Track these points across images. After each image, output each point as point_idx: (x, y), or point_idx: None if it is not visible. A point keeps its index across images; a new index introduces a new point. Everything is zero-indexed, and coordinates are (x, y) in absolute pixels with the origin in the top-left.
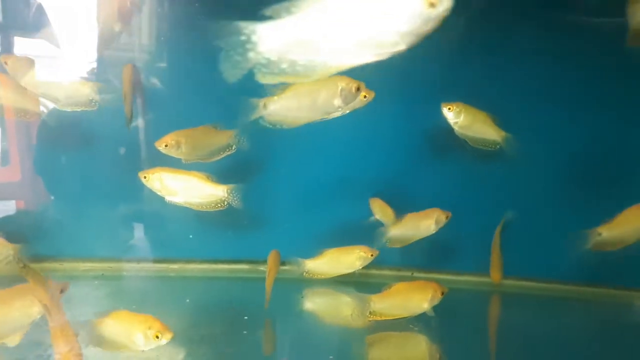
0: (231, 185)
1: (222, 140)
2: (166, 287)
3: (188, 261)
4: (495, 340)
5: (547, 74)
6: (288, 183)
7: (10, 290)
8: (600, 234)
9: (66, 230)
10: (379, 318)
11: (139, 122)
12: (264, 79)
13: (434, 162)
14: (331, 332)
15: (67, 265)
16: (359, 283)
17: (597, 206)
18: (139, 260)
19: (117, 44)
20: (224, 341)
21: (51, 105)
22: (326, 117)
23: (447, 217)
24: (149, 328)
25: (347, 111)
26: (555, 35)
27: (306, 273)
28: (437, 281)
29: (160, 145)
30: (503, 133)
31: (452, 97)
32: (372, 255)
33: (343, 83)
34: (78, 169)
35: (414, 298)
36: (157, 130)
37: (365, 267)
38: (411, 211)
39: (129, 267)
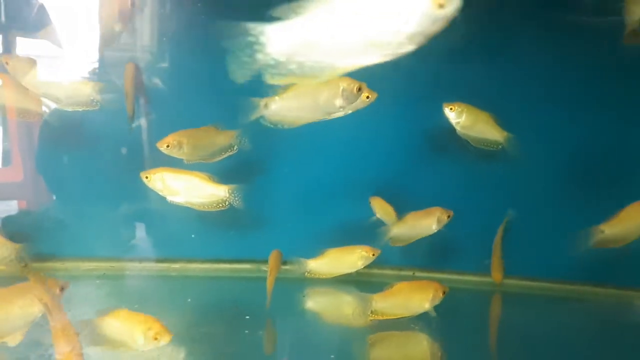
0: (232, 186)
1: (224, 141)
2: (168, 286)
3: (190, 261)
4: (496, 340)
5: (547, 74)
6: (289, 183)
7: (11, 289)
8: (603, 231)
9: (68, 229)
10: (380, 317)
11: (141, 122)
12: (272, 80)
13: (435, 162)
14: (332, 332)
15: (69, 265)
16: (360, 282)
17: (598, 206)
18: (140, 260)
19: (118, 43)
20: (225, 340)
21: (53, 106)
22: (327, 117)
23: (448, 216)
24: (149, 329)
25: (350, 111)
26: (556, 35)
27: (308, 273)
28: (439, 281)
29: (162, 146)
30: (505, 133)
31: (453, 96)
32: (373, 254)
33: (344, 83)
34: (80, 169)
35: (415, 298)
36: (159, 131)
37: (367, 267)
38: (412, 211)
39: (131, 267)
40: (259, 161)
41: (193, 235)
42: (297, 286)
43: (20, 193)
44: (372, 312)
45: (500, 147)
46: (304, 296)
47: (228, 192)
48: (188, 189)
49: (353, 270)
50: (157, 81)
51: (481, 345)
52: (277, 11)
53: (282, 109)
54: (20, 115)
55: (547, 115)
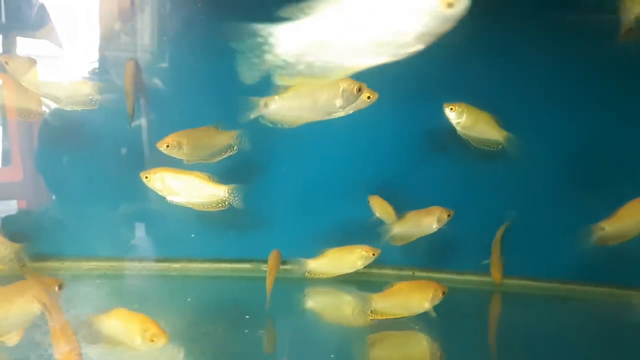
0: (232, 186)
1: (224, 141)
2: (168, 286)
3: (190, 260)
4: (496, 340)
5: (547, 73)
6: (289, 182)
7: (10, 288)
8: (603, 229)
9: (68, 229)
10: (380, 317)
11: (141, 121)
12: (281, 81)
13: (435, 161)
14: (332, 331)
15: (69, 265)
16: (360, 282)
17: (598, 206)
18: (141, 260)
19: (118, 43)
20: (225, 340)
21: (53, 105)
22: (328, 117)
23: (448, 215)
24: (146, 330)
25: (351, 111)
26: (556, 35)
27: (308, 273)
28: (438, 280)
29: (162, 146)
30: (505, 133)
31: (453, 96)
32: (373, 254)
33: (345, 84)
34: (80, 169)
35: (415, 297)
36: (159, 130)
37: (367, 266)
38: (413, 210)
39: (131, 266)
40: (259, 161)
41: (193, 235)
42: (297, 286)
43: (20, 193)
44: (371, 311)
45: (500, 147)
46: (304, 296)
47: (228, 192)
48: (188, 189)
49: (353, 270)
50: (157, 81)
51: (481, 345)
52: (286, 11)
53: (282, 108)
54: (20, 115)
55: (547, 115)
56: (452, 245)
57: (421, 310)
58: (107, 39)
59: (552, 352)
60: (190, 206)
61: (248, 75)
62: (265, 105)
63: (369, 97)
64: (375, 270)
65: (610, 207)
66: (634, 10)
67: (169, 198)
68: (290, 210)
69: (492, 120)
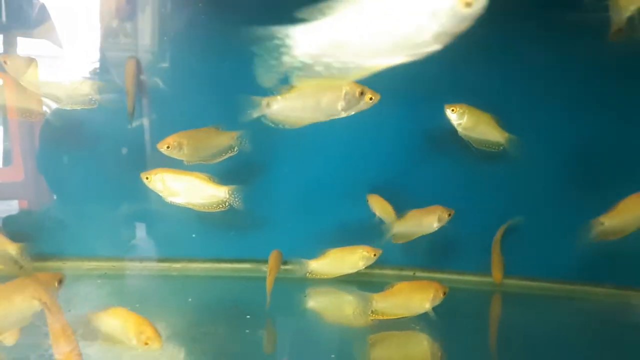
0: (233, 186)
1: (224, 142)
2: (169, 286)
3: (191, 260)
4: (496, 340)
5: (548, 74)
6: (290, 183)
7: (8, 285)
8: (602, 224)
9: (69, 229)
10: (380, 317)
11: (142, 121)
12: (299, 83)
13: (436, 162)
14: (333, 331)
15: (70, 265)
16: (361, 282)
17: (598, 206)
18: (141, 260)
19: (118, 42)
20: (226, 340)
21: (54, 105)
22: (329, 118)
23: (449, 215)
24: (141, 333)
25: (353, 112)
26: (556, 35)
27: (309, 273)
28: (439, 281)
29: (162, 147)
30: (506, 134)
31: (454, 97)
32: (375, 255)
33: (347, 87)
34: (81, 169)
35: (416, 298)
36: (160, 131)
37: (368, 267)
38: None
39: (132, 266)
40: (259, 161)
41: (194, 235)
42: (298, 286)
43: (21, 193)
44: (372, 311)
45: (501, 148)
46: (305, 296)
47: (228, 192)
48: (188, 190)
49: (354, 270)
50: (157, 81)
51: (481, 345)
52: (303, 13)
53: (284, 109)
54: (21, 115)
55: (547, 115)
56: (452, 245)
57: (422, 311)
58: (107, 38)
59: (552, 352)
60: (190, 207)
61: (266, 78)
62: (268, 105)
63: (371, 99)
64: (376, 271)
65: (610, 207)
66: (625, 9)
67: (170, 199)
68: (291, 211)
69: (493, 121)
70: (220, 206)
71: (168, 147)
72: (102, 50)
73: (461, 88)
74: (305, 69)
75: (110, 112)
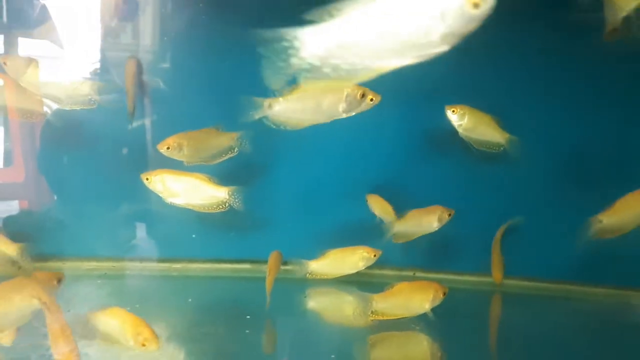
0: (233, 187)
1: (225, 143)
2: (169, 286)
3: (191, 261)
4: (496, 340)
5: (548, 74)
6: (290, 183)
7: (8, 283)
8: (600, 221)
9: (69, 229)
10: (380, 318)
11: (142, 122)
12: (306, 84)
13: (436, 162)
14: (333, 332)
15: (70, 265)
16: (361, 283)
17: (598, 206)
18: (141, 260)
19: (118, 42)
20: (226, 340)
21: (55, 106)
22: (330, 120)
23: (449, 215)
24: (138, 334)
25: (354, 114)
26: (557, 35)
27: (309, 274)
28: (439, 281)
29: (162, 148)
30: (507, 135)
31: (454, 97)
32: (375, 255)
33: (349, 89)
34: (81, 169)
35: (416, 298)
36: (160, 131)
37: (368, 267)
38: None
39: (132, 267)
40: (259, 162)
41: (194, 236)
42: (299, 287)
43: (21, 193)
44: (372, 312)
45: (502, 149)
46: (305, 297)
47: (228, 193)
48: (188, 191)
49: (354, 271)
50: (158, 81)
51: (481, 346)
52: (311, 14)
53: (286, 110)
54: (21, 116)
55: (547, 115)
56: (452, 246)
57: (422, 311)
58: (107, 39)
59: (551, 353)
60: (190, 208)
61: (274, 80)
62: (270, 106)
63: (371, 100)
64: (376, 271)
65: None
66: (622, 9)
67: (170, 200)
68: (291, 211)
69: (493, 122)
70: (221, 207)
71: (168, 148)
72: (103, 51)
73: (461, 88)
74: (313, 71)
75: (110, 112)
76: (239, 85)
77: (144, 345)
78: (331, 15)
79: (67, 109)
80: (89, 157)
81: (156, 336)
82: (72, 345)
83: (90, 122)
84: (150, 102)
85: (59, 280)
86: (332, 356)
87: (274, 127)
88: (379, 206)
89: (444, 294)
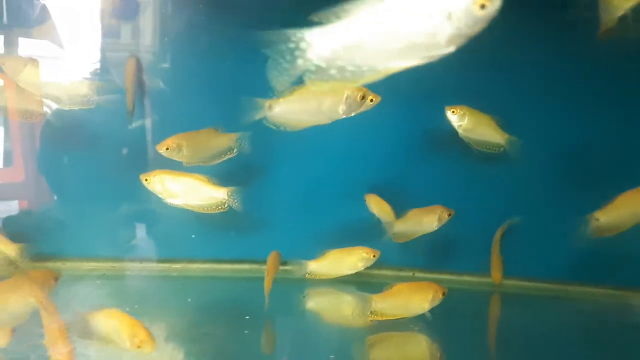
0: (232, 188)
1: (224, 144)
2: (168, 286)
3: (190, 261)
4: (495, 341)
5: (548, 74)
6: (289, 184)
7: (6, 282)
8: (597, 219)
9: (69, 230)
10: (379, 318)
11: (142, 122)
12: (312, 86)
13: (435, 163)
14: (332, 332)
15: (70, 265)
16: (360, 283)
17: (598, 206)
18: (141, 260)
19: (117, 42)
20: (225, 340)
21: (54, 106)
22: (330, 121)
23: (449, 215)
24: (135, 336)
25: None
26: (556, 36)
27: (308, 274)
28: (438, 281)
29: (162, 148)
30: (507, 136)
31: (453, 97)
32: (374, 256)
33: (349, 90)
34: (81, 169)
35: (415, 298)
36: (160, 132)
37: (367, 267)
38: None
39: (132, 267)
40: (259, 163)
41: (193, 236)
42: (298, 287)
43: (21, 193)
44: (371, 312)
45: (502, 149)
46: (304, 297)
47: (227, 194)
48: (187, 192)
49: (353, 271)
50: (158, 82)
51: (480, 346)
52: (317, 16)
53: (286, 111)
54: (21, 116)
55: (546, 115)
56: (451, 246)
57: (421, 312)
58: (107, 38)
59: (551, 353)
60: (189, 208)
61: (279, 81)
62: (270, 107)
63: (371, 100)
64: (375, 271)
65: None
66: (618, 8)
67: (169, 200)
68: (290, 212)
69: (493, 122)
70: (220, 208)
71: (167, 149)
72: (102, 51)
73: (461, 89)
74: (319, 72)
75: (110, 113)
76: (238, 86)
77: (140, 347)
78: (338, 17)
79: (66, 109)
80: (89, 158)
81: (152, 338)
82: (68, 345)
83: (90, 123)
84: (150, 102)
85: (56, 279)
86: (331, 356)
87: (274, 128)
88: (377, 206)
89: (443, 294)
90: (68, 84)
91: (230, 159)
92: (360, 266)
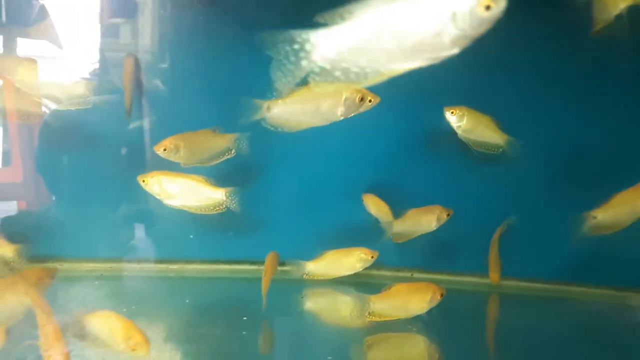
0: (229, 188)
1: (222, 145)
2: (166, 287)
3: (188, 261)
4: (493, 341)
5: (547, 74)
6: (287, 184)
7: (1, 281)
8: (595, 217)
9: (67, 230)
10: (378, 319)
11: (140, 123)
12: (317, 87)
13: (435, 163)
14: (330, 333)
15: (68, 266)
16: (358, 283)
17: (597, 207)
18: (139, 261)
19: (116, 42)
20: (223, 341)
21: (53, 106)
22: (328, 122)
23: (448, 215)
24: (129, 338)
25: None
26: (556, 35)
27: (307, 275)
28: (437, 282)
29: (159, 149)
30: (506, 136)
31: (453, 98)
32: (372, 257)
33: (347, 92)
34: (79, 170)
35: (413, 299)
36: (158, 132)
37: (365, 268)
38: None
39: (129, 268)
40: (257, 163)
41: (191, 236)
42: (296, 287)
43: (19, 193)
44: (370, 313)
45: (501, 150)
46: (302, 297)
47: (225, 195)
48: (185, 193)
49: (352, 272)
50: (156, 82)
51: (479, 347)
52: (322, 17)
53: (284, 112)
54: (20, 118)
55: (546, 116)
56: (450, 246)
57: (419, 312)
58: (105, 39)
59: (549, 353)
60: (187, 209)
61: (283, 82)
62: (268, 108)
63: (370, 101)
64: (373, 272)
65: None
66: (615, 7)
67: (167, 201)
68: (289, 212)
69: (492, 123)
70: (218, 208)
71: (165, 150)
72: (101, 50)
73: (460, 89)
74: (324, 74)
75: (108, 113)
76: (237, 87)
77: (134, 350)
78: (343, 18)
79: (63, 109)
80: (87, 158)
81: (147, 341)
82: (63, 346)
83: (88, 123)
84: (147, 102)
85: (52, 276)
86: (329, 358)
87: (272, 129)
88: (374, 206)
89: (442, 295)
90: (64, 83)
91: (228, 159)
92: (358, 267)
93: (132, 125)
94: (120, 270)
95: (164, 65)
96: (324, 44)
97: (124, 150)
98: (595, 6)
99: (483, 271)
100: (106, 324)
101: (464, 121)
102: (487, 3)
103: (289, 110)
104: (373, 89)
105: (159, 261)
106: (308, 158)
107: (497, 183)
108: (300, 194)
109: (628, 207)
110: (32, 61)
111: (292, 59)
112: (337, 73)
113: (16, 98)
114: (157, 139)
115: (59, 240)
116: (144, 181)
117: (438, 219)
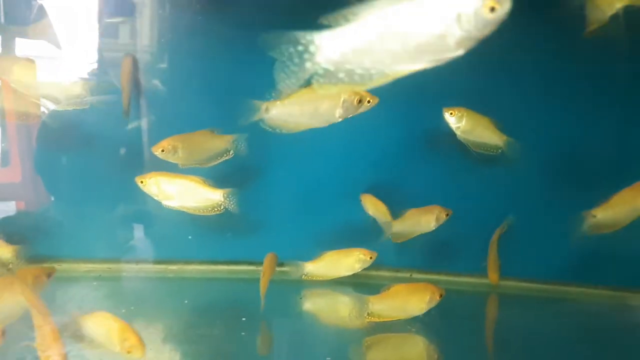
0: (228, 190)
1: (220, 145)
2: (165, 288)
3: (187, 262)
4: (493, 341)
5: (546, 74)
6: (286, 185)
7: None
8: (594, 216)
9: (66, 231)
10: (377, 319)
11: (138, 124)
12: (320, 89)
13: (434, 163)
14: (329, 334)
15: (67, 266)
16: (357, 284)
17: (596, 207)
18: (137, 261)
19: (115, 42)
20: (221, 342)
21: (52, 107)
22: (327, 124)
23: (447, 215)
24: (125, 340)
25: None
26: (555, 35)
27: (305, 275)
28: (436, 282)
29: (157, 150)
30: (505, 137)
31: (452, 99)
32: (371, 257)
33: (346, 94)
34: (78, 170)
35: (412, 300)
36: (156, 133)
37: (364, 268)
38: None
39: (128, 268)
40: (255, 164)
41: (190, 237)
42: (295, 288)
43: (18, 194)
44: (368, 314)
45: (500, 151)
46: (300, 298)
47: (223, 196)
48: (183, 193)
49: (350, 273)
50: (155, 83)
51: (478, 347)
52: (327, 19)
53: (283, 114)
54: (19, 118)
55: (545, 116)
56: (449, 247)
57: (418, 313)
58: (104, 39)
59: (549, 354)
60: (185, 210)
61: (286, 84)
62: (267, 109)
63: (368, 102)
64: (372, 272)
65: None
66: (610, 7)
67: (165, 202)
68: (287, 213)
69: (491, 124)
70: (216, 209)
71: (163, 151)
72: (99, 50)
73: (459, 90)
74: (327, 76)
75: (106, 114)
76: (235, 88)
77: (129, 352)
78: (347, 20)
79: (61, 109)
80: (86, 158)
81: (142, 343)
82: (60, 347)
83: (86, 123)
84: (146, 102)
85: (49, 275)
86: (328, 358)
87: (271, 130)
88: (373, 206)
89: (441, 295)
90: (62, 83)
91: (226, 160)
92: (357, 267)
93: (130, 126)
94: (118, 271)
95: (162, 66)
96: (328, 46)
97: (122, 151)
98: (588, 7)
99: (482, 271)
100: (102, 326)
101: (463, 122)
102: (491, 5)
103: (287, 112)
104: (373, 89)
105: (158, 262)
106: (307, 159)
107: (496, 183)
108: (298, 194)
109: (628, 206)
110: (30, 61)
111: (296, 60)
112: (341, 75)
113: (15, 98)
114: (155, 139)
115: (57, 240)
116: (142, 182)
117: (437, 219)
